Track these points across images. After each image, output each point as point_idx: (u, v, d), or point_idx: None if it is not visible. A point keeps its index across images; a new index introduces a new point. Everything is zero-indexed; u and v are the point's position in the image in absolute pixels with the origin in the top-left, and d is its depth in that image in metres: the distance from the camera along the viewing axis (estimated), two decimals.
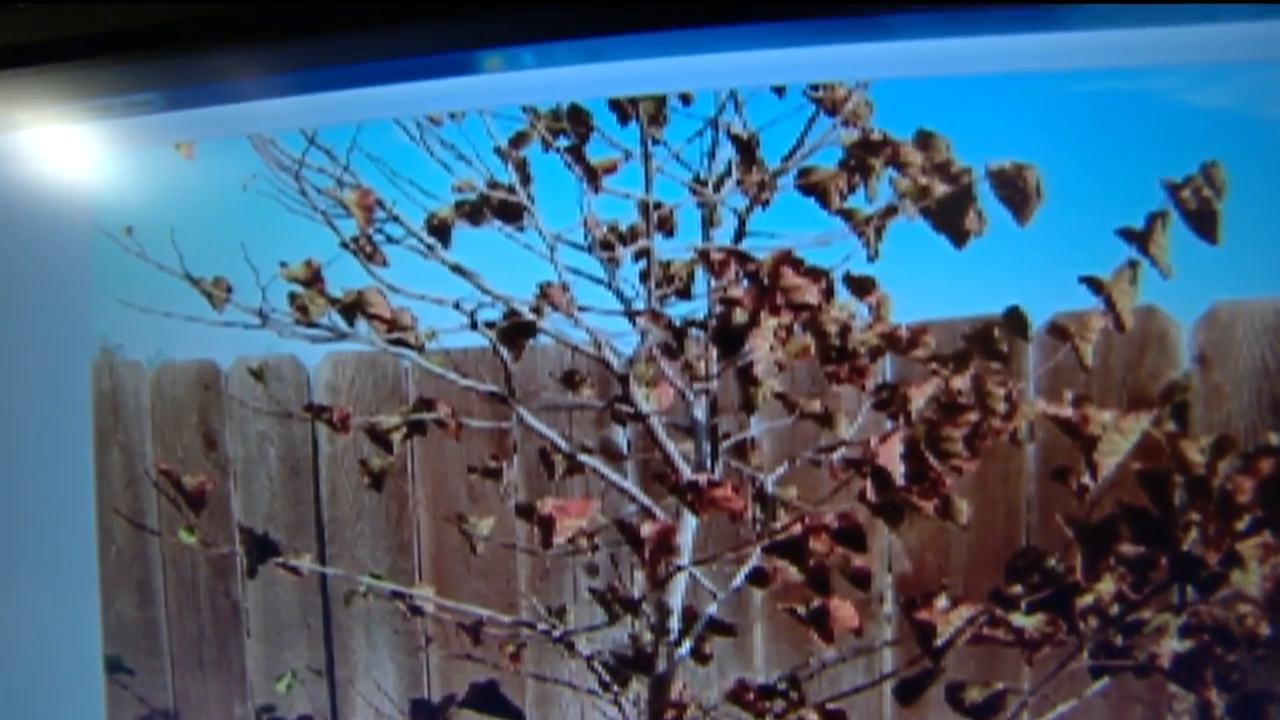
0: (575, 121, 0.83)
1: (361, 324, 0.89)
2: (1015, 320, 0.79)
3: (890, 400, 0.81)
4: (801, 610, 0.82)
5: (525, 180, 0.85)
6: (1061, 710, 0.82)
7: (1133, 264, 0.76)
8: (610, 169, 0.84)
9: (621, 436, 0.89)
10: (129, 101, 0.84)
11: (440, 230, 0.87)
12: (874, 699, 0.86)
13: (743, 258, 0.82)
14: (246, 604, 1.00)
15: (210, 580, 1.00)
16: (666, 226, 0.84)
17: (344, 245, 0.88)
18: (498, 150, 0.85)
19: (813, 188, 0.81)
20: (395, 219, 0.88)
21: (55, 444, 0.98)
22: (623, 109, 0.83)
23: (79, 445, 0.98)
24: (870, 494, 0.80)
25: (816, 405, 0.84)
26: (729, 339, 0.82)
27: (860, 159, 0.80)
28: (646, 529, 0.83)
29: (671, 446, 0.86)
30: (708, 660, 0.88)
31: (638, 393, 0.85)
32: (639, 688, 0.89)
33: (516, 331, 0.87)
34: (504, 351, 0.88)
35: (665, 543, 0.84)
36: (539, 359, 0.90)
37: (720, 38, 0.74)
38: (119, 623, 1.02)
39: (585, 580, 0.91)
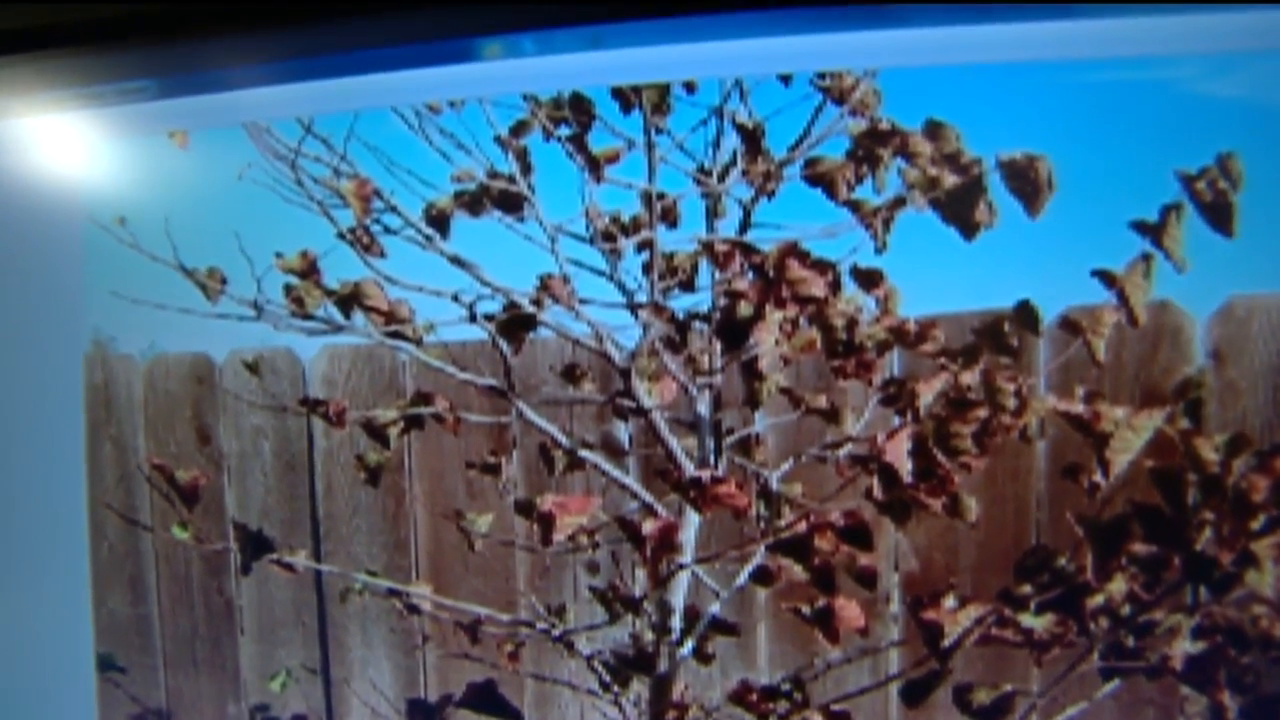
0: (577, 110, 0.83)
1: (358, 316, 0.89)
2: (1026, 314, 0.78)
3: (898, 396, 0.80)
4: (806, 610, 0.82)
5: (526, 170, 0.85)
6: (1071, 713, 0.81)
7: (1146, 257, 0.76)
8: (613, 158, 0.84)
9: (623, 432, 0.89)
10: (122, 89, 0.84)
11: (439, 221, 0.87)
12: (880, 700, 0.86)
13: (748, 249, 0.81)
14: (240, 601, 0.99)
15: (204, 577, 1.00)
16: (670, 217, 0.84)
17: (341, 236, 0.88)
18: (498, 139, 0.85)
19: (819, 178, 0.80)
20: (393, 209, 0.87)
21: (47, 438, 0.97)
22: (625, 97, 0.82)
23: (71, 439, 0.98)
24: (877, 491, 0.79)
25: (822, 400, 0.83)
26: (733, 332, 0.81)
27: (868, 149, 0.79)
28: (648, 526, 0.83)
29: (674, 442, 0.85)
30: (710, 660, 0.88)
31: (640, 387, 0.85)
32: (640, 688, 0.89)
33: (516, 324, 0.86)
34: (503, 345, 0.87)
35: (667, 540, 0.83)
36: (539, 352, 0.90)
37: (725, 24, 0.73)
38: (111, 620, 1.02)
39: (585, 578, 0.90)
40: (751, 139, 0.81)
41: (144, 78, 0.82)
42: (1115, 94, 0.75)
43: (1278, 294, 0.78)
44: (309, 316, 0.89)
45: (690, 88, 0.81)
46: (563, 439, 0.88)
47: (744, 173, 0.82)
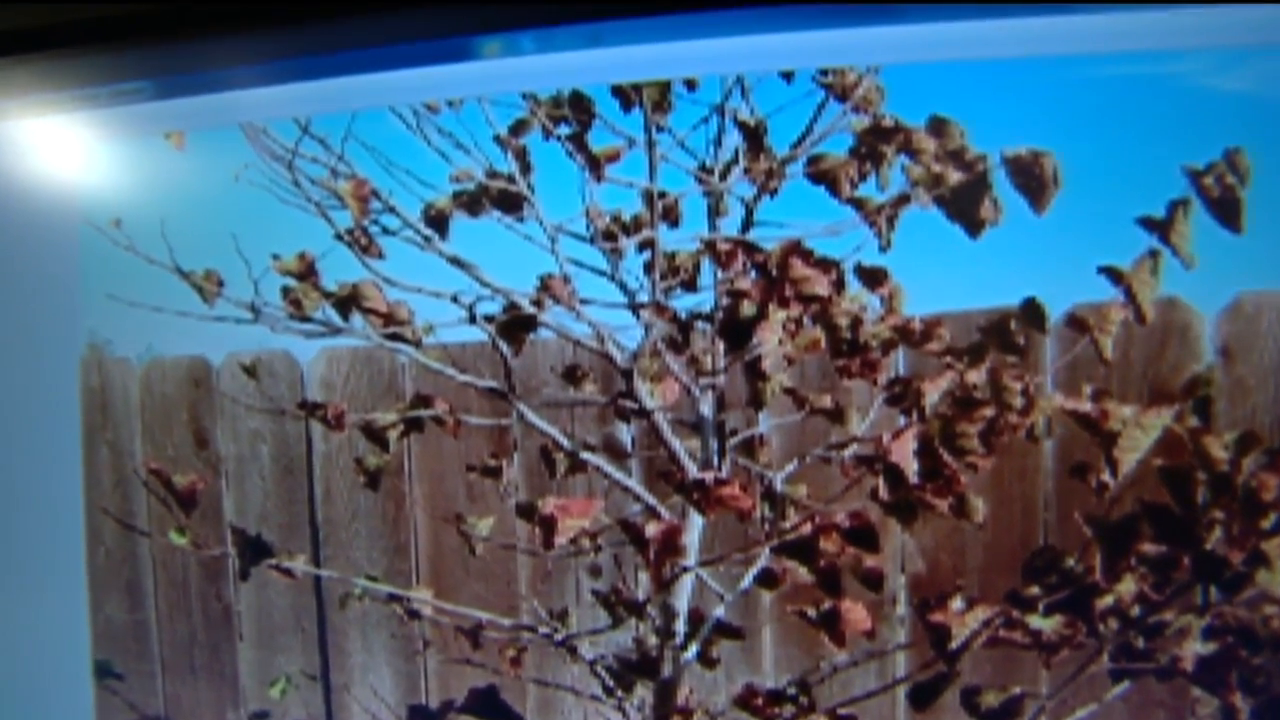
0: (577, 108, 0.82)
1: (357, 318, 0.89)
2: (1032, 312, 0.78)
3: (903, 395, 0.80)
4: (812, 612, 0.82)
5: (525, 169, 0.85)
6: (1081, 715, 0.81)
7: (1154, 253, 0.75)
8: (613, 157, 0.83)
9: (625, 433, 0.89)
10: (117, 90, 0.84)
11: (438, 221, 0.86)
12: (887, 704, 0.85)
13: (750, 248, 0.81)
14: (239, 607, 0.99)
15: (201, 582, 1.00)
16: (671, 216, 0.84)
17: (338, 237, 0.88)
18: (497, 138, 0.84)
19: (822, 176, 0.80)
20: (391, 210, 0.87)
21: (42, 442, 0.97)
22: (626, 95, 0.82)
23: (67, 444, 0.98)
24: (883, 492, 0.79)
25: (827, 400, 0.83)
26: (736, 332, 0.81)
27: (871, 146, 0.79)
28: (651, 529, 0.82)
29: (677, 443, 0.85)
30: (715, 664, 0.88)
31: (642, 388, 0.85)
32: (644, 693, 0.88)
33: (516, 325, 0.86)
34: (504, 346, 0.87)
35: (670, 543, 0.83)
36: (540, 353, 0.89)
37: (726, 21, 0.73)
38: (108, 626, 1.01)
39: (588, 582, 0.90)
40: (753, 136, 0.81)
41: (140, 79, 0.83)
42: (1121, 89, 0.75)
43: None
44: (307, 319, 0.89)
45: (691, 85, 0.81)
46: (564, 441, 0.88)
47: (746, 171, 0.81)
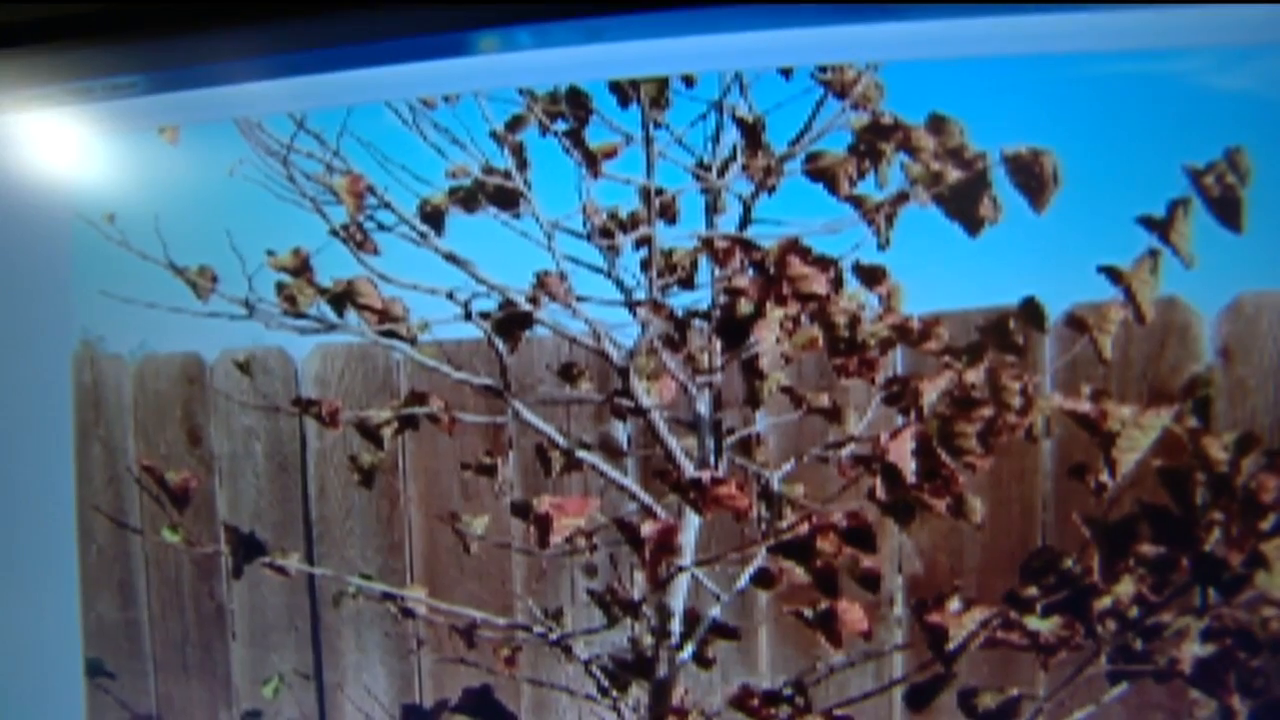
0: (574, 104, 0.82)
1: (351, 315, 0.88)
2: (1031, 311, 0.77)
3: (901, 394, 0.80)
4: (808, 613, 0.82)
5: (522, 165, 0.84)
6: (1079, 716, 0.81)
7: (1153, 253, 0.75)
8: (610, 154, 0.83)
9: (621, 432, 0.89)
10: (111, 84, 0.84)
11: (433, 217, 0.86)
12: (883, 705, 0.85)
13: (748, 246, 0.80)
14: (232, 605, 0.99)
15: (194, 581, 1.00)
16: (669, 213, 0.83)
17: (333, 233, 0.87)
18: (493, 134, 0.84)
19: (821, 173, 0.80)
20: (387, 206, 0.86)
21: (34, 439, 0.97)
22: (623, 91, 0.82)
23: (59, 441, 0.98)
24: (880, 492, 0.79)
25: (824, 399, 0.83)
26: (733, 330, 0.81)
27: (870, 143, 0.79)
28: (647, 528, 0.82)
29: (673, 442, 0.85)
30: (710, 665, 0.87)
31: (638, 386, 0.84)
32: (639, 693, 0.88)
33: (512, 322, 0.86)
34: (499, 343, 0.87)
35: (666, 542, 0.83)
36: (535, 351, 0.89)
37: (725, 17, 0.73)
38: (100, 624, 1.01)
39: (583, 581, 0.90)
40: (752, 133, 0.80)
41: (133, 72, 0.83)
42: (1122, 87, 0.75)
43: None
44: (301, 315, 0.89)
45: (689, 81, 0.81)
46: (560, 439, 0.88)
47: (744, 168, 0.81)
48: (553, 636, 0.90)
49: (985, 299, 0.79)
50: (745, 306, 0.80)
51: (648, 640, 0.87)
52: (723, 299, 0.81)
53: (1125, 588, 0.77)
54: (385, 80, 0.81)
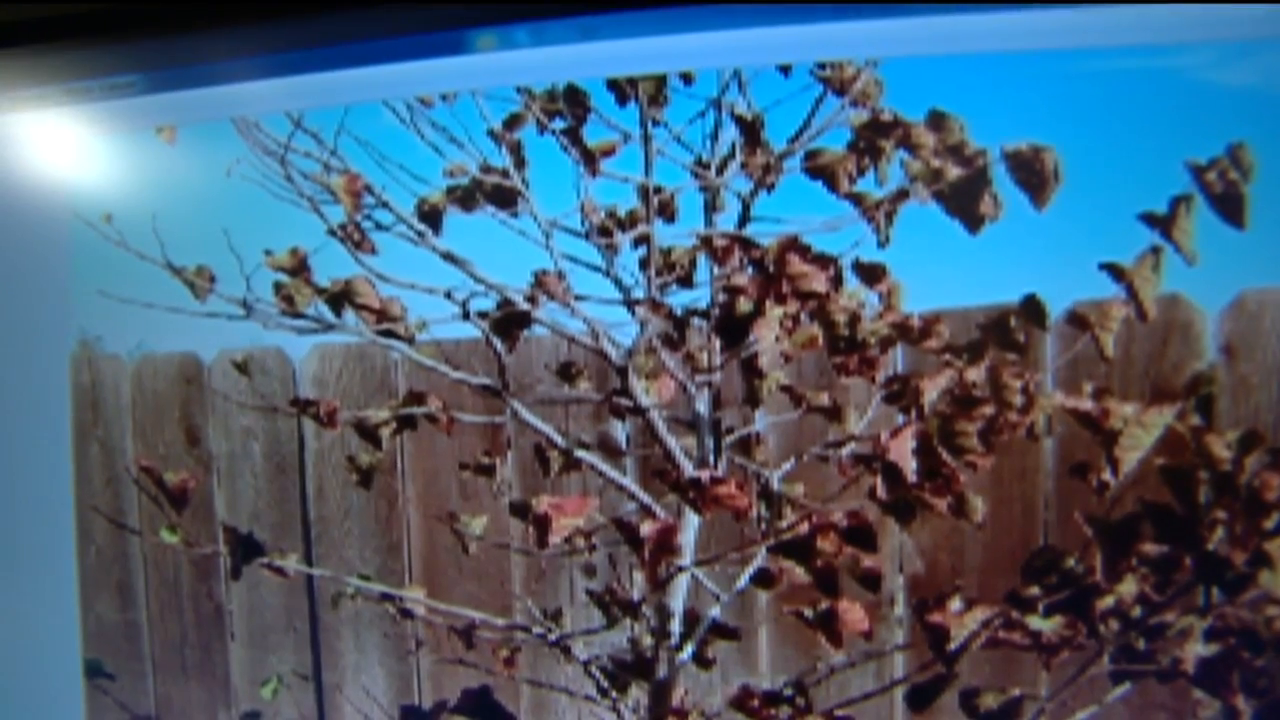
0: (572, 102, 0.82)
1: (349, 314, 0.88)
2: (1032, 309, 0.77)
3: (902, 393, 0.79)
4: (808, 613, 0.82)
5: (520, 164, 0.84)
6: (1081, 717, 0.81)
7: (1155, 250, 0.75)
8: (608, 152, 0.83)
9: (620, 431, 0.88)
10: (108, 84, 0.84)
11: (431, 216, 0.86)
12: (884, 706, 0.85)
13: (747, 244, 0.80)
14: (230, 606, 0.98)
15: (193, 581, 0.99)
16: (667, 211, 0.83)
17: (331, 232, 0.87)
18: (491, 133, 0.84)
19: (820, 171, 0.79)
20: (384, 205, 0.86)
21: (32, 440, 0.97)
22: (621, 89, 0.81)
23: (57, 441, 0.97)
24: (881, 491, 0.79)
25: (824, 398, 0.82)
26: (733, 329, 0.81)
27: (870, 141, 0.78)
28: (646, 528, 0.82)
29: (673, 441, 0.85)
30: (710, 665, 0.87)
31: (637, 385, 0.84)
32: (639, 694, 0.88)
33: (511, 322, 0.86)
34: (497, 343, 0.87)
35: (666, 542, 0.83)
36: (534, 350, 0.89)
37: (723, 14, 0.73)
38: (99, 626, 1.01)
39: (582, 582, 0.90)
40: (750, 131, 0.80)
41: (131, 72, 0.83)
42: (1123, 83, 0.74)
43: None
44: (299, 315, 0.89)
45: (687, 79, 0.80)
46: (558, 439, 0.87)
47: (743, 165, 0.81)
48: (552, 637, 0.90)
49: (986, 297, 0.78)
50: (744, 305, 0.80)
51: (647, 641, 0.87)
52: (722, 297, 0.81)
53: (1128, 587, 0.77)
54: (383, 79, 0.81)
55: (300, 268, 0.88)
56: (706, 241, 0.82)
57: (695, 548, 0.85)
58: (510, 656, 0.90)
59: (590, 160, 0.83)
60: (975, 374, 0.78)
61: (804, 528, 0.80)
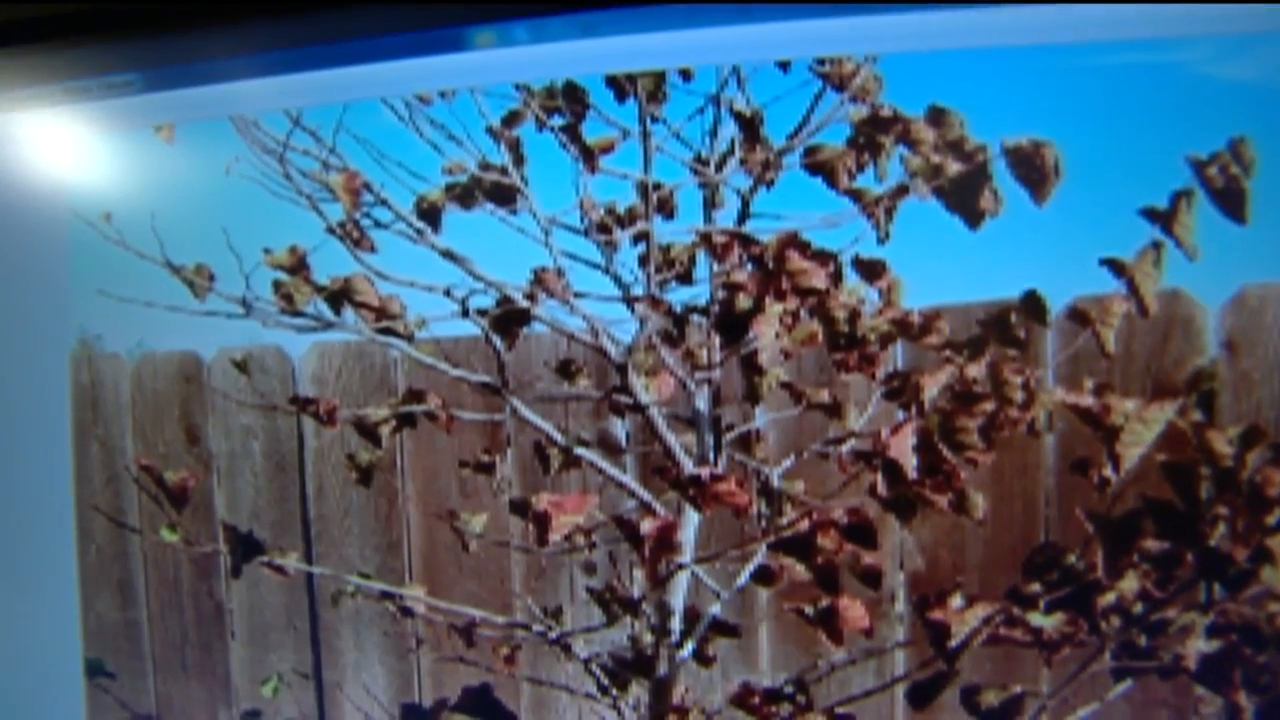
0: (570, 99, 0.82)
1: (348, 312, 0.88)
2: (1033, 305, 0.77)
3: (902, 390, 0.79)
4: (809, 610, 0.81)
5: (519, 161, 0.84)
6: (1082, 714, 0.80)
7: (1156, 245, 0.74)
8: (607, 148, 0.83)
9: (620, 429, 0.88)
10: (106, 83, 0.84)
11: (430, 214, 0.86)
12: (885, 703, 0.85)
13: (746, 240, 0.80)
14: (231, 605, 0.99)
15: (193, 580, 1.00)
16: (666, 208, 0.83)
17: (330, 230, 0.87)
18: (490, 130, 0.83)
19: (820, 167, 0.79)
20: (383, 203, 0.86)
21: (32, 439, 0.96)
22: (620, 86, 0.81)
23: (57, 440, 0.97)
24: (881, 488, 0.78)
25: (824, 395, 0.82)
26: (732, 326, 0.80)
27: (869, 136, 0.78)
28: (646, 525, 0.82)
29: (672, 439, 0.84)
30: (711, 663, 0.87)
31: (637, 383, 0.84)
32: (639, 691, 0.88)
33: (510, 319, 0.85)
34: (497, 340, 0.86)
35: (666, 540, 0.82)
36: (533, 348, 0.89)
37: (722, 10, 0.73)
38: (99, 624, 1.01)
39: (582, 579, 0.90)
40: (750, 127, 0.80)
41: (129, 71, 0.83)
42: (1123, 78, 0.74)
43: None
44: (298, 313, 0.88)
45: (686, 75, 0.80)
46: (558, 436, 0.87)
47: (742, 162, 0.80)
48: (552, 635, 0.89)
49: (986, 292, 0.78)
50: (744, 301, 0.79)
51: (648, 638, 0.87)
52: (721, 294, 0.80)
53: (1129, 583, 0.77)
54: (381, 77, 0.81)
55: (299, 266, 0.87)
56: (706, 238, 0.81)
57: (695, 545, 0.85)
58: (510, 654, 0.90)
59: (589, 157, 0.82)
60: (976, 370, 0.77)
61: (804, 525, 0.80)
